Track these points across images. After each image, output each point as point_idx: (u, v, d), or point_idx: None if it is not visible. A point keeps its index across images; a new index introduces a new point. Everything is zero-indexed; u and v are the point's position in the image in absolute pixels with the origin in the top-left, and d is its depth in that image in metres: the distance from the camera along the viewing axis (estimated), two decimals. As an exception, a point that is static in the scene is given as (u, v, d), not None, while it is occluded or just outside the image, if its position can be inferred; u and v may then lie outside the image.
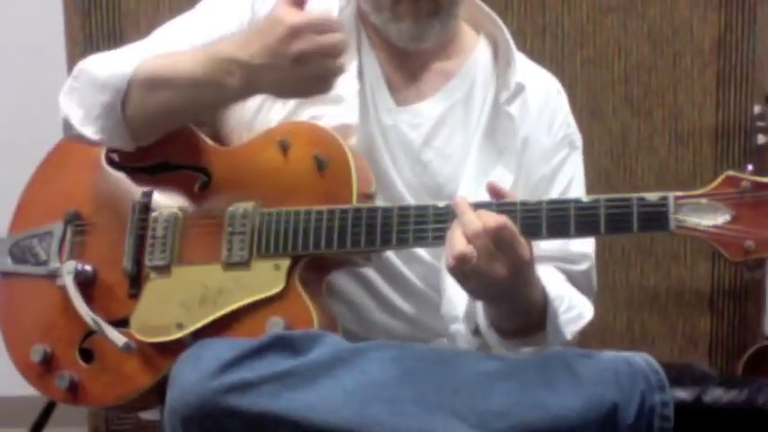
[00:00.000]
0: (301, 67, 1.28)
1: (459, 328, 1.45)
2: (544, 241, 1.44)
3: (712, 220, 1.20)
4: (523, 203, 1.27)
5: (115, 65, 1.43)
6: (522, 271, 1.26)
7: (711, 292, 2.48)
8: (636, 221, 1.22)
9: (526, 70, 1.54)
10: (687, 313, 2.49)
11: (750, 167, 2.16)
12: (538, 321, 1.36)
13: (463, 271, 1.23)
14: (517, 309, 1.34)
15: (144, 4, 2.21)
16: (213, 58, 1.35)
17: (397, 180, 1.48)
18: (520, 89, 1.49)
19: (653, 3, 2.40)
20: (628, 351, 2.46)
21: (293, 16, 1.28)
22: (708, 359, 2.50)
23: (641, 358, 1.30)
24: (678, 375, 1.34)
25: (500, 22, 1.53)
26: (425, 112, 1.50)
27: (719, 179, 1.21)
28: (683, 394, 1.33)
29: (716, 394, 1.34)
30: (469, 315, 1.42)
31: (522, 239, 1.24)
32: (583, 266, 1.52)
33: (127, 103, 1.41)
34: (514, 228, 1.23)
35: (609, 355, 1.32)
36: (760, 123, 2.35)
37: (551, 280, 1.42)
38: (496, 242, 1.22)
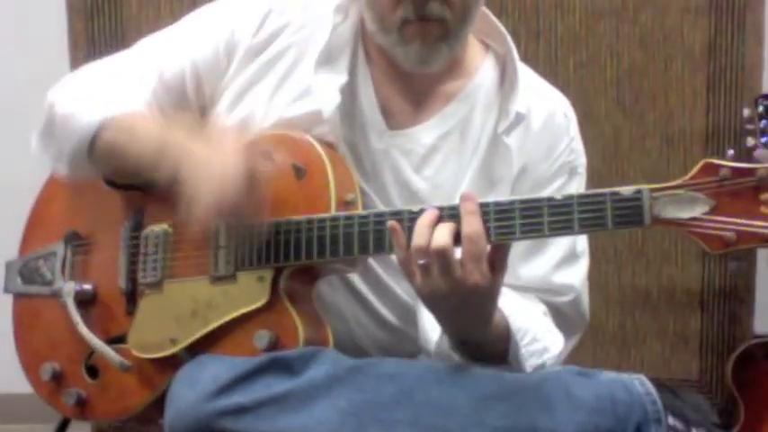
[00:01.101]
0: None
1: (436, 356, 1.41)
2: (526, 272, 1.43)
3: (690, 211, 1.13)
4: (497, 204, 1.21)
5: (85, 111, 1.43)
6: (470, 298, 1.20)
7: (702, 291, 2.49)
8: (610, 218, 1.16)
9: (532, 91, 1.48)
10: (678, 312, 2.50)
11: (731, 153, 2.10)
12: (501, 353, 1.32)
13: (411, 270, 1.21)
14: (470, 337, 1.30)
15: (145, 8, 2.22)
16: (161, 148, 1.35)
17: (382, 207, 1.41)
18: (519, 119, 1.43)
19: (645, 8, 2.42)
20: (622, 351, 2.47)
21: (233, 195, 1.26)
22: (698, 357, 2.51)
23: (641, 385, 1.27)
24: (678, 412, 1.28)
25: (510, 41, 1.47)
26: (419, 137, 1.44)
27: (698, 167, 1.14)
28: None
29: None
30: (441, 341, 1.38)
31: (471, 266, 1.17)
32: (567, 298, 1.48)
33: (91, 152, 1.42)
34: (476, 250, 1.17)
35: (608, 378, 1.29)
36: (749, 126, 2.33)
37: (520, 311, 1.37)
38: (438, 263, 1.17)
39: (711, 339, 2.50)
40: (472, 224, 1.17)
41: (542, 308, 1.44)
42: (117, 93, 1.47)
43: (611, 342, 2.47)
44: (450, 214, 1.21)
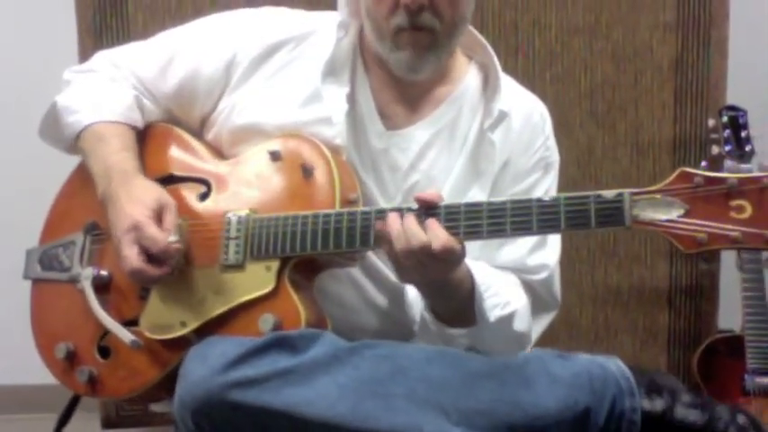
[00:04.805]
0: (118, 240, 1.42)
1: (421, 325, 1.50)
2: (502, 256, 1.51)
3: (666, 214, 1.18)
4: (489, 203, 1.29)
5: (82, 109, 1.55)
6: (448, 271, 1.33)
7: (669, 289, 2.53)
8: (593, 218, 1.22)
9: (512, 95, 1.57)
10: (647, 309, 2.54)
11: (704, 164, 2.12)
12: (468, 308, 1.40)
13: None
14: (446, 293, 1.39)
15: (151, 26, 2.25)
16: (105, 171, 1.49)
17: (383, 201, 1.51)
18: (502, 116, 1.52)
19: (616, 25, 2.46)
20: (594, 344, 2.53)
21: (146, 222, 1.40)
22: (666, 351, 2.54)
23: (614, 364, 1.34)
24: (649, 384, 1.35)
25: (491, 50, 1.57)
26: (414, 136, 1.53)
27: (674, 175, 1.20)
28: (649, 405, 1.32)
29: (681, 411, 1.32)
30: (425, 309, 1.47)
31: (445, 248, 1.27)
32: (541, 276, 1.55)
33: (76, 145, 1.57)
34: (440, 245, 1.27)
35: (584, 358, 1.35)
36: (714, 135, 2.40)
37: (486, 271, 1.44)
38: (421, 258, 1.28)
39: (678, 334, 2.55)
40: (417, 236, 1.31)
41: (516, 279, 1.52)
42: (114, 97, 1.56)
43: (585, 337, 2.50)
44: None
